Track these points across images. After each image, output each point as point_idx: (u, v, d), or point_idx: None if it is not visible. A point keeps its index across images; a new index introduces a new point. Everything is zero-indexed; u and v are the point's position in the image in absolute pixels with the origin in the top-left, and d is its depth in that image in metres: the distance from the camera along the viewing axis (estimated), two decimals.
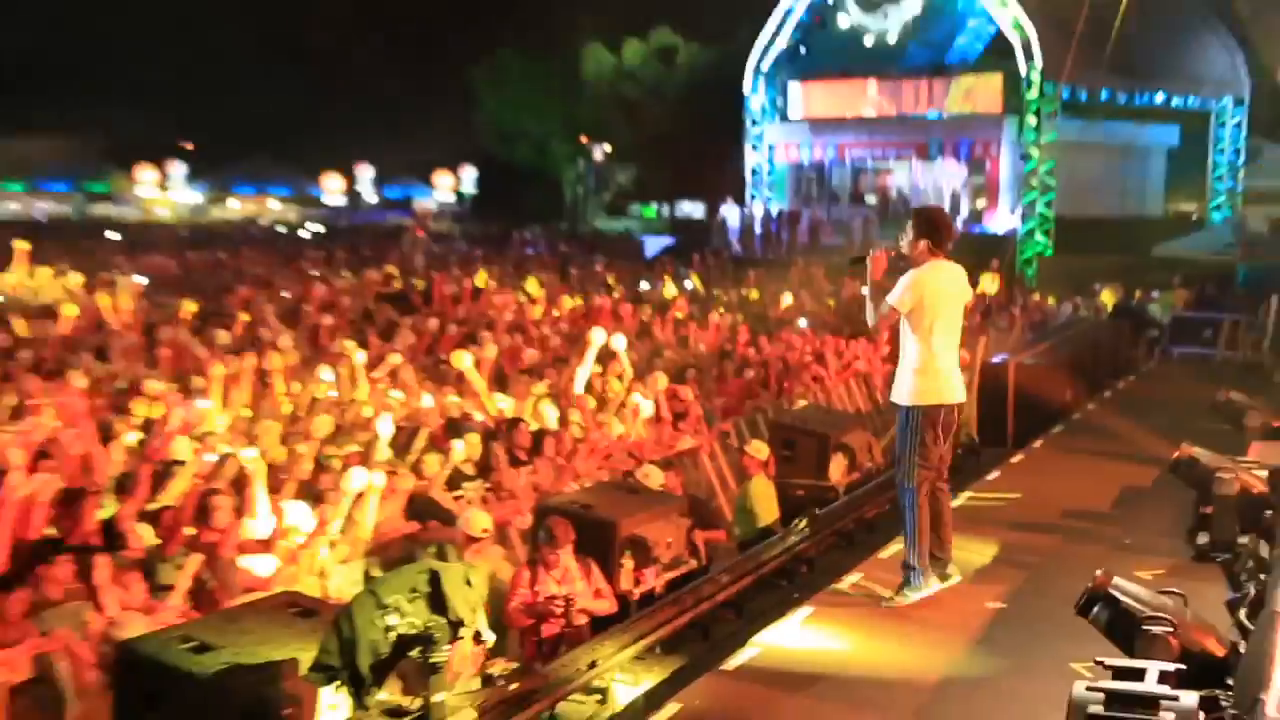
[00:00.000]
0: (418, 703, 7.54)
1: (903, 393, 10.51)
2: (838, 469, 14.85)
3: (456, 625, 7.63)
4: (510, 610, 10.05)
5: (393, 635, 7.22)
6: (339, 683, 7.09)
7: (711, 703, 9.03)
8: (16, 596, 8.76)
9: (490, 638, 8.72)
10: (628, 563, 10.71)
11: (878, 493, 14.32)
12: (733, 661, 9.84)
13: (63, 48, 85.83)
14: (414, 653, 7.38)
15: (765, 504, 13.54)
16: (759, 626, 10.65)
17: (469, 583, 7.93)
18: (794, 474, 14.74)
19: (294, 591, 8.77)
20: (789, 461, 14.86)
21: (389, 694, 7.57)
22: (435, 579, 7.56)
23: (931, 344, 10.23)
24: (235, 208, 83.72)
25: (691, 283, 34.64)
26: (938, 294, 10.23)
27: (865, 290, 10.64)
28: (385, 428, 12.98)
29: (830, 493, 14.47)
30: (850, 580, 11.77)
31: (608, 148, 67.05)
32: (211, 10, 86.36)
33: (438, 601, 7.50)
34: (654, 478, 12.71)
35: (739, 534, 13.37)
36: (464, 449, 13.00)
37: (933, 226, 10.52)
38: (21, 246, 31.87)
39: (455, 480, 12.72)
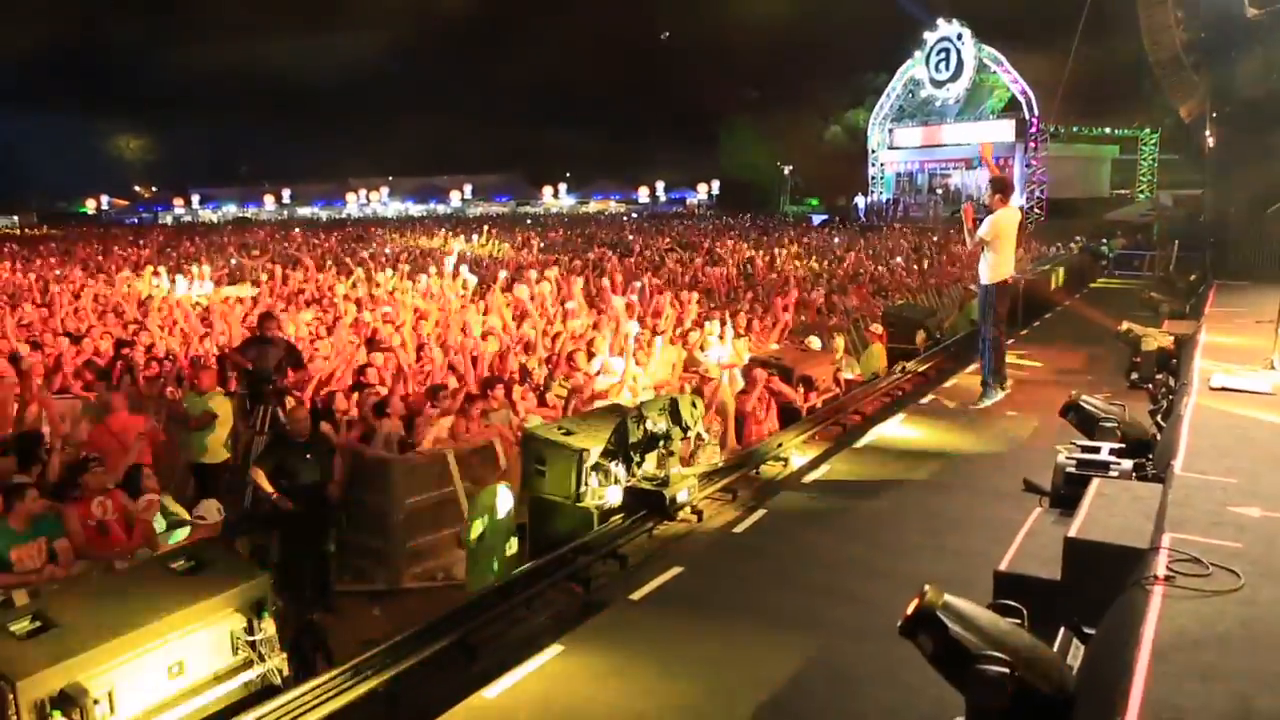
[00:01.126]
0: (662, 473, 7.40)
1: (985, 276, 10.61)
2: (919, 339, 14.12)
3: (685, 429, 7.48)
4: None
5: (645, 433, 7.13)
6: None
7: (846, 466, 8.80)
8: (476, 405, 8.82)
9: (706, 438, 8.52)
10: (800, 389, 10.44)
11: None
12: (859, 443, 9.56)
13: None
14: (660, 444, 7.29)
15: (880, 360, 12.91)
16: (875, 424, 10.35)
17: (694, 405, 7.77)
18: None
19: (615, 404, 8.65)
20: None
21: (648, 469, 7.45)
22: (674, 403, 7.44)
23: (1000, 250, 10.37)
24: (592, 207, 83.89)
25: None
26: (1005, 226, 10.42)
27: (965, 229, 10.96)
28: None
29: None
30: (926, 400, 11.31)
31: (790, 168, 66.38)
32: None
33: (675, 416, 7.37)
34: (813, 343, 12.24)
35: (865, 376, 12.67)
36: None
37: (1002, 187, 10.76)
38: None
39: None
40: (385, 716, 4.79)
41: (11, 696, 3.73)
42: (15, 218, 65.18)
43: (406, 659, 5.07)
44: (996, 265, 10.43)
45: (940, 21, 49.82)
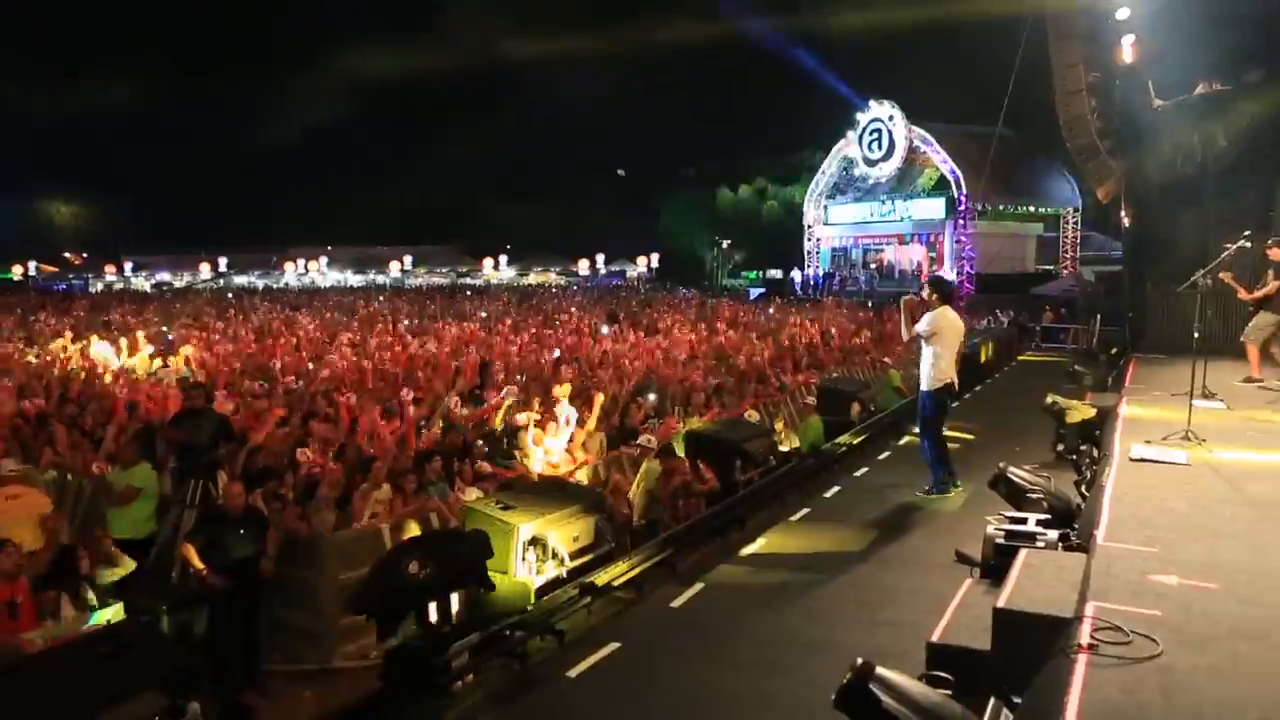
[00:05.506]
0: None
1: (925, 380, 10.32)
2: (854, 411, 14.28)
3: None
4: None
5: None
6: None
7: (781, 539, 8.84)
8: (408, 479, 8.74)
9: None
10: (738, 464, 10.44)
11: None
12: (794, 516, 9.65)
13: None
14: None
15: (817, 432, 13.05)
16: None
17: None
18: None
19: (555, 479, 8.63)
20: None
21: None
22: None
23: (943, 351, 10.13)
24: (532, 279, 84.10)
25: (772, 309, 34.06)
26: (948, 326, 10.19)
27: (904, 319, 10.55)
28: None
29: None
30: (860, 473, 11.44)
31: (728, 242, 67.46)
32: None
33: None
34: (751, 415, 12.38)
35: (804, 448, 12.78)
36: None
37: (944, 289, 10.68)
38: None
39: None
40: None
41: None
42: None
43: None
44: (938, 368, 10.12)
45: (872, 103, 51.59)
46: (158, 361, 15.03)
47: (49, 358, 15.78)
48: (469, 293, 51.35)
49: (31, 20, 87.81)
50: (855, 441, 12.98)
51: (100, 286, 74.52)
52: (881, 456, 12.39)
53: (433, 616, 6.24)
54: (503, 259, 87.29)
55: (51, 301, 40.67)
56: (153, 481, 8.50)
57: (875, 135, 51.77)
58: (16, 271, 78.35)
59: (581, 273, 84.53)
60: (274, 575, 7.75)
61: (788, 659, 6.02)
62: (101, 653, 4.51)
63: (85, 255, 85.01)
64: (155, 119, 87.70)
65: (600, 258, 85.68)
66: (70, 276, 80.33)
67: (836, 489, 10.67)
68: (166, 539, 8.14)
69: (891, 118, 50.64)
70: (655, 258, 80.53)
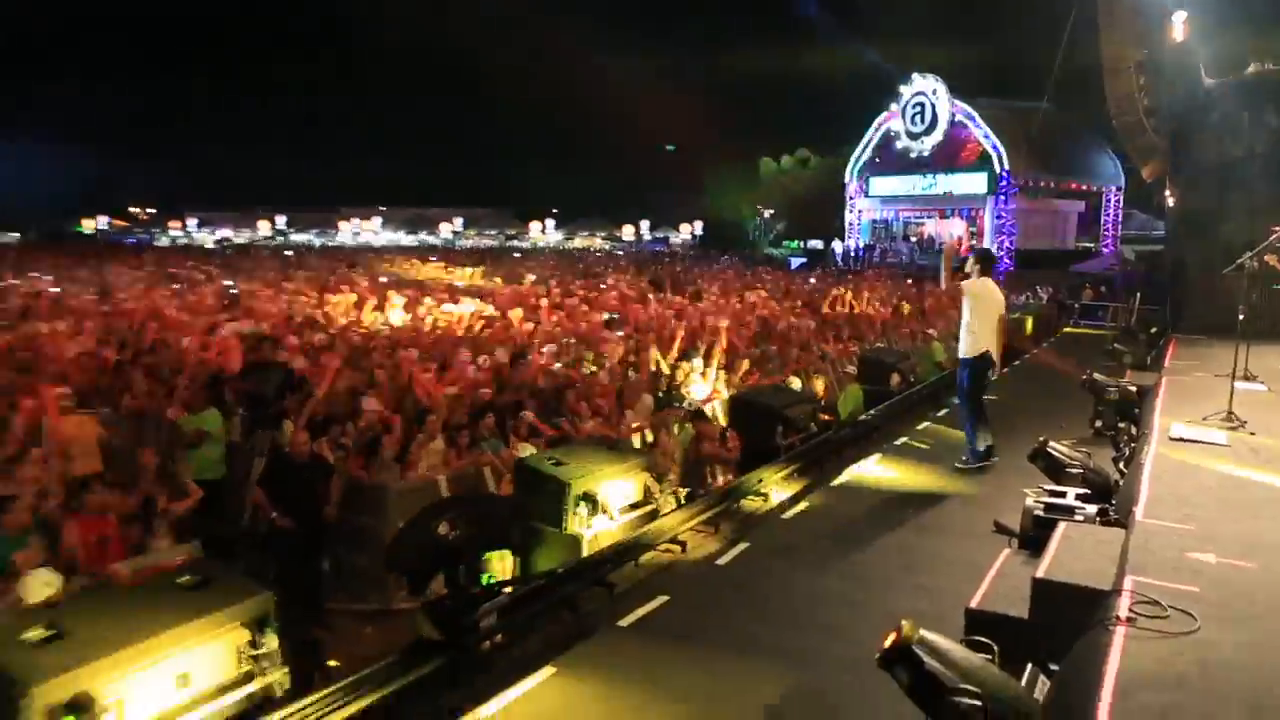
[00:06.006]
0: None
1: (964, 348, 9.93)
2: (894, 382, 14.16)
3: None
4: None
5: None
6: None
7: (823, 502, 8.90)
8: (463, 434, 8.88)
9: None
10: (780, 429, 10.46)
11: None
12: (836, 481, 9.67)
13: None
14: None
15: (858, 401, 12.97)
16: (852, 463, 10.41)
17: None
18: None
19: (604, 437, 8.72)
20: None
21: None
22: None
23: (982, 320, 9.75)
24: (577, 242, 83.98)
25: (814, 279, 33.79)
26: (987, 294, 9.80)
27: (944, 264, 10.41)
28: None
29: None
30: (900, 441, 11.42)
31: (770, 211, 66.87)
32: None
33: None
34: (793, 382, 12.37)
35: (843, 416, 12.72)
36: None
37: (986, 260, 10.18)
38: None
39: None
40: None
41: (25, 701, 3.75)
42: (15, 235, 64.93)
43: (402, 677, 5.11)
44: (975, 337, 9.78)
45: (915, 76, 50.75)
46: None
47: (123, 308, 16.13)
48: (517, 254, 51.41)
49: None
50: (894, 411, 12.91)
51: (165, 241, 75.67)
52: (920, 427, 12.32)
53: (461, 579, 6.29)
54: (549, 223, 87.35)
55: (121, 254, 41.42)
56: (220, 426, 8.71)
57: (918, 109, 51.03)
58: (88, 226, 79.75)
59: (625, 238, 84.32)
60: (337, 520, 7.96)
61: (831, 617, 6.08)
62: (185, 586, 4.67)
63: (152, 211, 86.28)
64: (220, 83, 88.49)
65: (645, 224, 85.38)
66: (138, 231, 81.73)
67: (876, 456, 10.65)
68: (237, 483, 8.37)
69: (935, 91, 49.93)
70: (698, 225, 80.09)
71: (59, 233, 70.35)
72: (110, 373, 10.25)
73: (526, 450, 8.43)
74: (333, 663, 6.78)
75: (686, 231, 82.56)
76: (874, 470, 10.19)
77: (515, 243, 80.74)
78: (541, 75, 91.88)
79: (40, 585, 5.21)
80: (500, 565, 7.45)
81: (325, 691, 4.85)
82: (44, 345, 10.93)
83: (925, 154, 51.40)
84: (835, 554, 7.42)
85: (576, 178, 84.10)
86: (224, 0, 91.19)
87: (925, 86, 50.39)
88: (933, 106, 50.21)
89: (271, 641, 4.79)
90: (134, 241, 69.52)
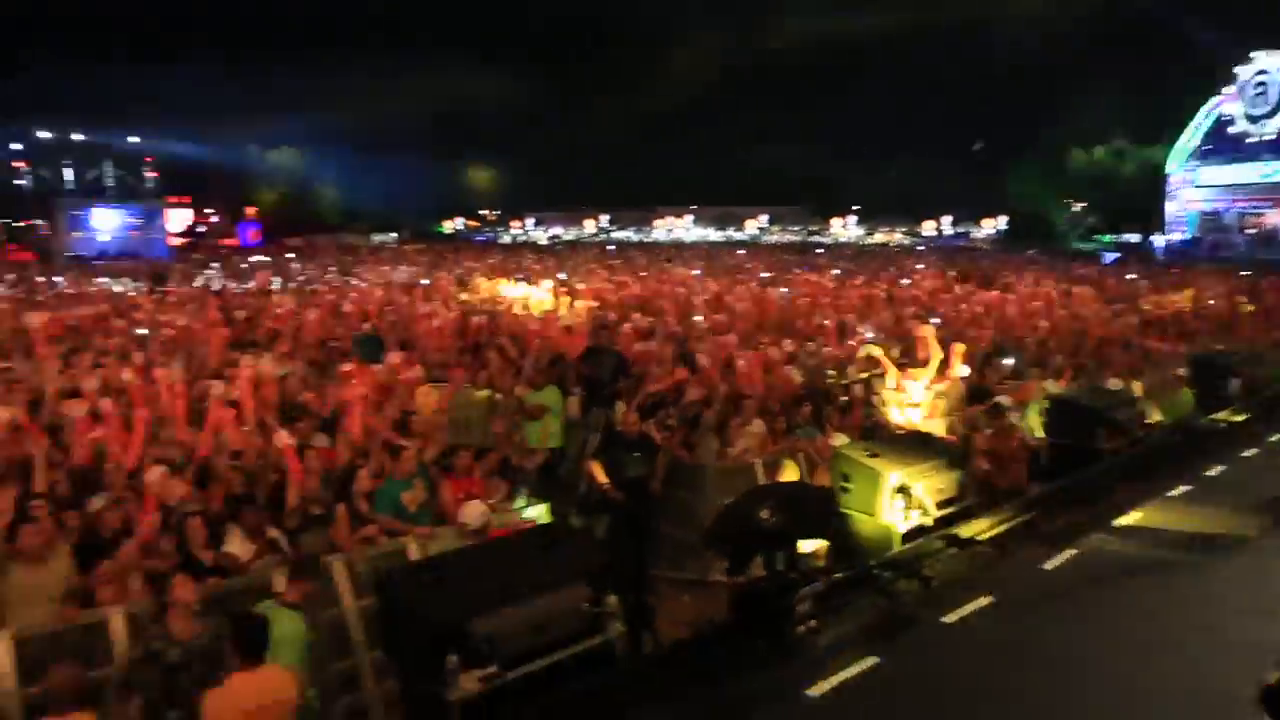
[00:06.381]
0: None
1: None
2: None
3: None
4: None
5: None
6: None
7: (1160, 514, 7.84)
8: (779, 420, 8.71)
9: None
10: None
11: None
12: (1173, 492, 8.50)
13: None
14: None
15: (1188, 405, 11.41)
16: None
17: None
18: None
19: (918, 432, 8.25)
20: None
21: None
22: None
23: None
24: (878, 237, 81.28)
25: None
26: None
27: None
28: None
29: None
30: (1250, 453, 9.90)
31: (1081, 205, 61.22)
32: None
33: None
34: (1112, 384, 11.04)
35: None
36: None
37: None
38: None
39: None
40: (708, 697, 4.82)
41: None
42: (394, 235, 73.91)
43: (723, 650, 5.10)
44: None
45: (1257, 54, 44.10)
46: (564, 299, 16.29)
47: (476, 297, 17.68)
48: (818, 250, 50.58)
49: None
50: (1238, 419, 11.25)
51: (508, 239, 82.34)
52: (1274, 438, 10.62)
53: (779, 563, 6.18)
54: (851, 219, 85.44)
55: (474, 250, 45.63)
56: (559, 403, 9.20)
57: (1260, 90, 44.35)
58: (448, 226, 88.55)
59: (925, 233, 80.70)
60: (662, 494, 8.16)
61: (1176, 641, 5.33)
62: (540, 545, 4.93)
63: (498, 212, 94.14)
64: (553, 96, 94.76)
65: (947, 220, 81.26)
66: (486, 230, 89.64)
67: (1221, 468, 9.29)
68: (574, 456, 8.82)
69: None
70: (1002, 220, 74.91)
71: (425, 232, 78.89)
72: (469, 351, 11.21)
73: (841, 440, 8.18)
74: None
75: (990, 226, 77.52)
76: (1219, 483, 8.86)
77: (816, 238, 79.78)
78: (846, 76, 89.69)
79: (478, 514, 6.03)
80: (815, 551, 7.29)
81: (657, 654, 4.94)
82: (417, 325, 12.13)
83: (1267, 138, 44.69)
84: (1179, 571, 6.53)
85: (877, 175, 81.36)
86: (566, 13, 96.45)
87: (1270, 64, 43.68)
88: (1277, 85, 43.46)
89: (612, 601, 4.94)
90: (482, 239, 76.47)
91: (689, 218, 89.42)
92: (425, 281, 21.09)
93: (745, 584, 5.84)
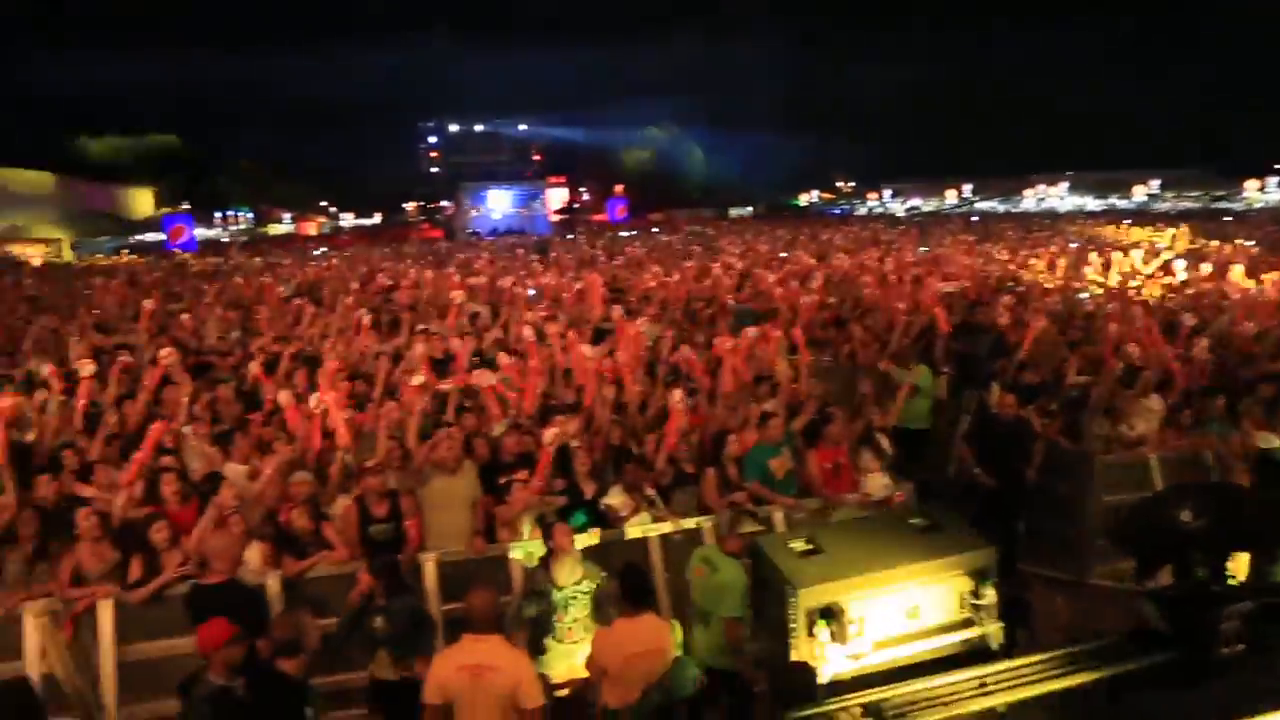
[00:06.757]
0: None
1: None
2: None
3: None
4: None
5: None
6: None
7: None
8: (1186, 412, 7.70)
9: None
10: None
11: None
12: None
13: None
14: None
15: None
16: None
17: None
18: None
19: None
20: None
21: None
22: None
23: None
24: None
25: None
26: None
27: None
28: None
29: None
30: None
31: None
32: None
33: None
34: None
35: None
36: None
37: None
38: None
39: None
40: (1108, 715, 4.38)
41: (794, 600, 4.15)
42: (749, 209, 75.53)
43: (1125, 661, 4.60)
44: None
45: None
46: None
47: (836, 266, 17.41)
48: (1227, 219, 43.04)
49: None
50: None
51: (863, 211, 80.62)
52: None
53: (1199, 572, 5.37)
54: (1272, 180, 72.69)
55: (828, 223, 45.24)
56: (930, 383, 8.83)
57: None
58: (803, 199, 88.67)
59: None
60: (1037, 483, 7.58)
61: None
62: (918, 527, 4.76)
63: (854, 184, 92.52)
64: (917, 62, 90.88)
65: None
66: (840, 202, 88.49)
67: None
68: (942, 437, 8.45)
69: None
70: None
71: (779, 205, 79.53)
72: (831, 324, 11.10)
73: (1271, 441, 7.04)
74: None
75: None
76: None
77: (1225, 204, 68.98)
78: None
79: (881, 485, 6.34)
80: (1235, 565, 6.35)
81: (1044, 656, 4.57)
82: (780, 298, 12.22)
83: None
84: None
85: None
86: None
87: None
88: None
89: (990, 594, 4.66)
90: (837, 212, 75.60)
91: (1064, 185, 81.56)
92: (784, 255, 21.20)
93: (1155, 591, 5.21)
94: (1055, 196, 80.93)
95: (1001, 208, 76.93)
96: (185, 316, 11.74)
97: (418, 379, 7.14)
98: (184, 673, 4.76)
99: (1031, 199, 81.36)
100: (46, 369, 8.10)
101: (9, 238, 48.17)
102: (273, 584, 5.66)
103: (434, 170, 66.00)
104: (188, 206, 58.36)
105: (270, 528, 5.97)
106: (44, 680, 5.17)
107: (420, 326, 10.77)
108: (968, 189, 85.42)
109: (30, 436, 7.17)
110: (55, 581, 5.53)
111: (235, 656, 4.41)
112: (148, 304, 11.16)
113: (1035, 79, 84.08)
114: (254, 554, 5.82)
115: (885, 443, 7.22)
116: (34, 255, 41.68)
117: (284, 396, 7.03)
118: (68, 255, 44.18)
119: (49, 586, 5.53)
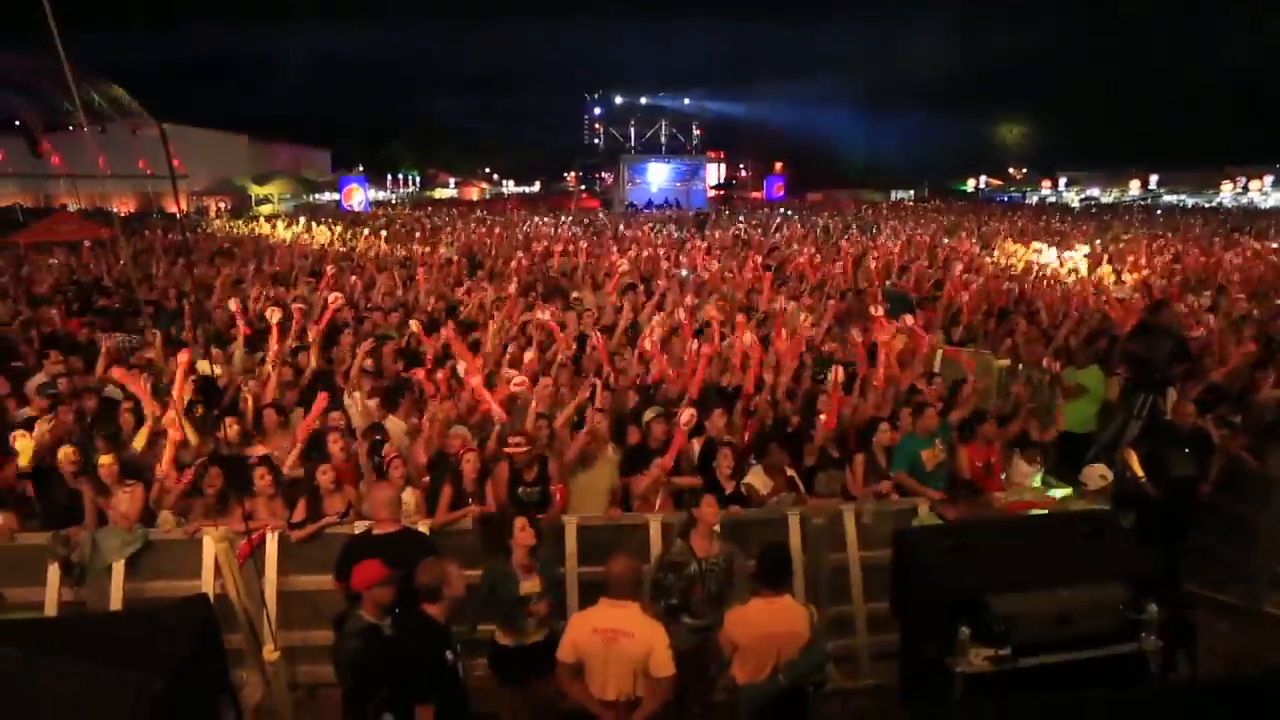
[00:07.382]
0: None
1: None
2: None
3: None
4: None
5: None
6: None
7: None
8: None
9: None
10: None
11: None
12: None
13: None
14: None
15: None
16: None
17: None
18: None
19: None
20: None
21: None
22: None
23: None
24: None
25: None
26: None
27: None
28: None
29: None
30: None
31: None
32: None
33: None
34: None
35: None
36: None
37: None
38: None
39: None
40: None
41: (934, 595, 4.05)
42: (910, 193, 72.93)
43: None
44: None
45: None
46: (1105, 267, 14.73)
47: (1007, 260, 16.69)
48: None
49: None
50: None
51: (1035, 199, 76.42)
52: None
53: None
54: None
55: (996, 210, 43.16)
56: (1100, 385, 8.37)
57: None
58: (970, 184, 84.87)
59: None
60: (1211, 500, 7.08)
61: None
62: (1079, 532, 4.56)
63: (1025, 171, 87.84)
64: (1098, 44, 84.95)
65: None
66: (1011, 189, 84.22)
67: None
68: (1108, 442, 8.00)
69: None
70: None
71: (944, 189, 76.45)
72: (995, 317, 10.65)
73: None
74: None
75: None
76: None
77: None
78: None
79: (1096, 475, 6.22)
80: None
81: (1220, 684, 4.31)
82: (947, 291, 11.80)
83: None
84: None
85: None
86: None
87: None
88: None
89: (1151, 610, 4.41)
90: (1004, 199, 71.97)
91: (1269, 179, 74.42)
92: (946, 241, 20.45)
93: None
94: (1257, 190, 74.06)
95: (1190, 201, 71.22)
96: (354, 278, 12.46)
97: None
98: (339, 608, 5.13)
99: (1229, 193, 74.82)
100: (233, 305, 8.81)
101: (212, 192, 52.19)
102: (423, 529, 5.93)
103: (596, 142, 66.97)
104: (361, 169, 61.32)
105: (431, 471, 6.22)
106: (217, 600, 5.62)
107: (574, 295, 11.01)
108: (1153, 180, 79.42)
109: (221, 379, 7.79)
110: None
111: (385, 597, 4.68)
112: (329, 268, 11.94)
113: (1238, 59, 76.91)
114: (409, 499, 6.12)
115: (1039, 456, 6.91)
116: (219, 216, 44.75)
117: (470, 374, 7.04)
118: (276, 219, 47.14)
119: (228, 522, 6.01)
